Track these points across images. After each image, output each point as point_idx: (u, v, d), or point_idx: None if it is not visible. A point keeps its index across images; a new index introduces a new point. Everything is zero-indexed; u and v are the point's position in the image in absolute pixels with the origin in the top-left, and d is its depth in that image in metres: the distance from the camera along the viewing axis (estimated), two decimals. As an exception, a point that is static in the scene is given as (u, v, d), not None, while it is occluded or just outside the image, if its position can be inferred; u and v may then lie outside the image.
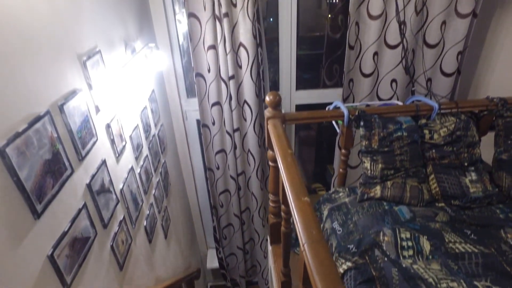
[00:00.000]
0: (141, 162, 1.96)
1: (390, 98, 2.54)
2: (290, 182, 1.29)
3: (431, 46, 2.41)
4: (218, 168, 2.84)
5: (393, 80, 2.50)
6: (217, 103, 2.55)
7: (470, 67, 2.70)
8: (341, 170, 2.00)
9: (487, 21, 2.52)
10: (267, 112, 1.77)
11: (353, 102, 2.57)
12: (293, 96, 2.75)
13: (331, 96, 2.73)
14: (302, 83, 2.83)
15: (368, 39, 2.37)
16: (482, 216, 1.68)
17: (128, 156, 1.78)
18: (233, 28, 2.29)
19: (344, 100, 2.57)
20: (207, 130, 2.68)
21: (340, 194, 1.90)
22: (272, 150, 1.63)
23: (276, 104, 1.74)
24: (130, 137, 1.81)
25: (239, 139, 2.67)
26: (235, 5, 2.23)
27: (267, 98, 1.73)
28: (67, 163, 1.17)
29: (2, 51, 0.91)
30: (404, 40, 2.36)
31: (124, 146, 1.71)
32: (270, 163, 1.78)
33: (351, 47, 2.40)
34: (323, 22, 2.79)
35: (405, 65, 2.38)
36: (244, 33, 2.28)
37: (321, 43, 2.86)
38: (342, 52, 2.45)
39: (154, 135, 2.21)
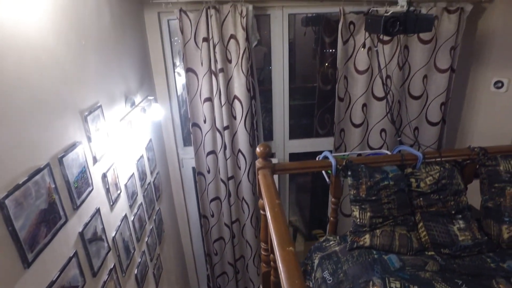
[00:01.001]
0: (135, 210, 2.00)
1: (380, 147, 2.63)
2: (276, 231, 1.33)
3: (415, 98, 2.56)
4: (212, 216, 2.86)
5: (382, 130, 2.61)
6: (212, 152, 2.64)
7: (455, 117, 2.83)
8: (331, 218, 2.03)
9: (465, 75, 2.70)
10: (258, 163, 1.85)
11: (345, 151, 2.66)
12: (286, 145, 2.85)
13: (324, 145, 2.82)
14: (295, 132, 2.94)
15: (357, 91, 2.52)
16: (473, 265, 1.68)
17: (122, 204, 1.82)
18: (228, 82, 2.45)
19: (336, 149, 2.66)
20: (202, 178, 2.74)
21: (331, 242, 1.91)
22: (262, 199, 1.68)
23: (266, 155, 1.82)
24: (125, 185, 1.86)
25: (234, 187, 2.72)
26: (230, 61, 2.41)
27: (258, 150, 1.82)
28: (61, 212, 1.22)
29: (14, 112, 1.01)
30: (390, 92, 2.50)
31: (119, 195, 1.77)
32: (261, 212, 1.83)
33: (341, 99, 2.55)
34: (315, 74, 2.97)
35: (391, 117, 2.50)
36: (239, 87, 2.43)
37: (313, 94, 3.02)
38: (333, 102, 2.59)
39: (149, 183, 2.27)
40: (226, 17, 2.31)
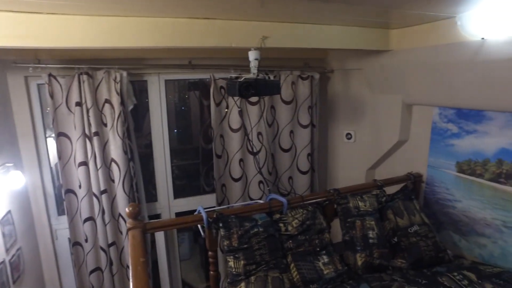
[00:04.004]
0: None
1: (260, 198, 2.82)
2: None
3: (285, 151, 2.88)
4: (93, 291, 2.57)
5: (260, 182, 2.83)
6: (90, 219, 2.46)
7: (322, 165, 3.25)
8: (211, 272, 2.04)
9: (325, 129, 3.19)
10: (128, 224, 1.81)
11: (228, 204, 2.77)
12: (171, 204, 2.84)
13: (210, 201, 2.90)
14: (183, 191, 2.97)
15: (233, 148, 2.73)
16: (336, 295, 1.85)
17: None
18: (104, 145, 2.41)
19: (219, 204, 2.76)
20: (80, 248, 2.50)
21: (211, 297, 1.90)
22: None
23: (136, 215, 1.80)
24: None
25: (116, 254, 2.54)
26: (105, 125, 2.41)
27: (127, 210, 1.80)
28: None
29: None
30: (263, 147, 2.78)
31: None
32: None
33: (218, 156, 2.72)
34: (197, 135, 3.14)
35: (262, 172, 2.73)
36: (115, 149, 2.41)
37: (197, 153, 3.15)
38: (215, 161, 2.74)
39: (3, 262, 1.97)
40: (100, 82, 2.35)
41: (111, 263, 2.55)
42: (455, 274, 1.94)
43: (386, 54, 2.39)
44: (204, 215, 1.91)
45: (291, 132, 2.90)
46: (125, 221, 2.49)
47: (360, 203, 2.23)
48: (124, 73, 2.36)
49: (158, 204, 2.80)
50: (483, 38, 1.84)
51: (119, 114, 2.36)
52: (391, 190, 2.42)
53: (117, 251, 2.57)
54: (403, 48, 2.28)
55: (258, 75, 2.04)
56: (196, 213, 2.03)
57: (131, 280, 1.37)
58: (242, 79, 2.00)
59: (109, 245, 2.52)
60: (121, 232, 2.55)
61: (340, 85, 3.01)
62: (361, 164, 2.95)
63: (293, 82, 2.82)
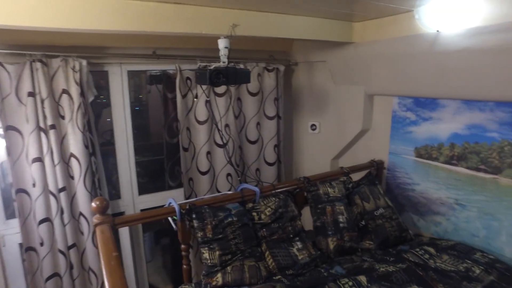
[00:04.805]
0: None
1: (229, 190, 2.79)
2: (111, 284, 1.22)
3: (252, 142, 2.89)
4: (51, 299, 2.37)
5: (229, 174, 2.80)
6: (46, 220, 2.27)
7: (288, 156, 3.30)
8: (184, 266, 1.98)
9: (290, 121, 3.24)
10: (95, 219, 1.70)
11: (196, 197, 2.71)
12: (136, 201, 2.71)
13: (176, 196, 2.80)
14: (147, 188, 2.86)
15: (200, 141, 2.67)
16: (312, 278, 1.89)
17: None
18: (62, 139, 2.24)
19: (187, 198, 2.69)
20: (34, 254, 2.29)
21: (186, 291, 1.84)
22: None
23: (104, 209, 1.70)
24: None
25: (77, 257, 2.37)
26: (63, 117, 2.23)
27: (93, 205, 1.69)
28: None
29: None
30: (230, 139, 2.75)
31: None
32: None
33: (185, 149, 2.65)
34: (161, 129, 3.03)
35: (232, 162, 2.72)
36: (75, 144, 2.25)
37: (162, 148, 3.04)
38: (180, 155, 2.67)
39: None
40: (56, 71, 2.17)
41: (71, 267, 2.37)
42: (417, 250, 2.08)
43: (349, 46, 2.49)
44: (176, 206, 1.85)
45: (258, 123, 2.91)
46: (87, 220, 2.34)
47: (330, 190, 2.30)
48: (84, 62, 2.21)
49: (122, 201, 2.66)
50: (438, 31, 1.98)
51: (79, 105, 2.20)
52: (356, 177, 2.53)
53: (78, 254, 2.40)
54: (365, 41, 2.39)
55: (228, 64, 2.02)
56: (167, 205, 1.96)
57: (105, 277, 1.28)
58: (213, 67, 1.97)
59: (69, 248, 2.34)
60: (82, 233, 2.39)
61: (305, 77, 3.08)
62: (326, 154, 3.04)
63: (259, 74, 2.83)
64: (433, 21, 1.98)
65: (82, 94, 2.23)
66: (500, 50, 1.76)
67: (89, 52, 2.26)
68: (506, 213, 2.01)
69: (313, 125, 3.10)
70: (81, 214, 2.35)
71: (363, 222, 2.28)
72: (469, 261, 1.93)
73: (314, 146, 3.14)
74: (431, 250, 2.07)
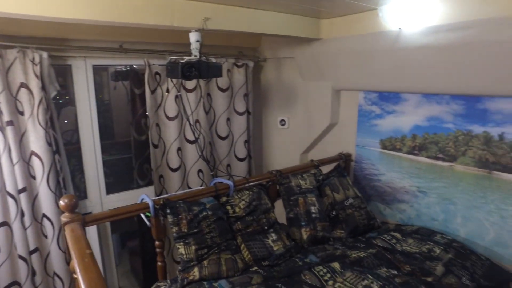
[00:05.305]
0: None
1: (201, 186, 2.76)
2: (87, 282, 1.17)
3: (223, 138, 2.88)
4: (11, 309, 2.21)
5: (200, 171, 2.78)
6: (4, 224, 2.11)
7: (258, 151, 3.34)
8: (159, 263, 1.94)
9: (259, 116, 3.28)
10: (63, 217, 1.62)
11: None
12: (104, 201, 2.60)
13: (146, 194, 2.73)
14: (115, 187, 2.75)
15: (170, 137, 2.63)
16: (287, 268, 1.93)
17: None
18: (21, 136, 2.10)
19: (158, 195, 2.63)
20: (-9, 261, 2.13)
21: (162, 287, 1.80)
22: (72, 257, 1.45)
23: (73, 207, 1.62)
24: None
25: (40, 262, 2.23)
26: (22, 113, 2.09)
27: (62, 202, 1.60)
28: None
29: None
30: (201, 135, 2.73)
31: None
32: (73, 275, 1.57)
33: (155, 146, 2.59)
34: (128, 127, 2.93)
35: (204, 157, 2.71)
36: (36, 141, 2.11)
37: (130, 147, 2.95)
38: (150, 152, 2.60)
39: None
40: (12, 63, 2.03)
41: (33, 273, 2.23)
42: (385, 236, 2.19)
43: (317, 42, 2.57)
44: (150, 202, 1.81)
45: (228, 119, 2.92)
46: (51, 222, 2.21)
47: (301, 182, 2.36)
48: (45, 54, 2.09)
49: (89, 201, 2.54)
50: (400, 28, 2.10)
51: (40, 100, 2.08)
52: (325, 169, 2.61)
53: (41, 259, 2.26)
54: (332, 37, 2.48)
55: (200, 57, 2.01)
56: (139, 201, 1.91)
57: (79, 276, 1.22)
58: (185, 60, 1.95)
59: (31, 253, 2.20)
60: (46, 236, 2.25)
61: (273, 74, 3.13)
62: (295, 148, 3.10)
63: (229, 70, 2.83)
64: (395, 19, 2.09)
65: (44, 88, 2.11)
66: (454, 47, 1.91)
67: (50, 44, 2.14)
68: (461, 197, 2.18)
69: (282, 120, 3.15)
70: (44, 216, 2.21)
71: (334, 212, 2.36)
72: (430, 243, 2.06)
73: (284, 141, 3.20)
74: (397, 235, 2.20)
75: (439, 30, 1.94)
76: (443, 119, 2.22)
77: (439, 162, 2.27)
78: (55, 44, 2.17)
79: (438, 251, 2.00)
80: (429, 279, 1.81)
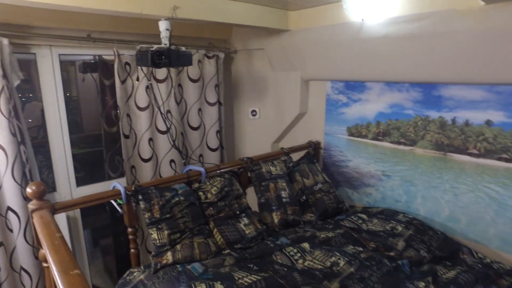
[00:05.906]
0: None
1: (173, 177, 2.77)
2: (57, 260, 1.17)
3: (194, 129, 2.90)
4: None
5: (172, 161, 2.78)
6: (-34, 218, 2.04)
7: (230, 141, 3.38)
8: (132, 250, 1.94)
9: (231, 107, 3.32)
10: (31, 205, 1.60)
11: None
12: (74, 193, 2.55)
13: (118, 185, 2.71)
14: (85, 181, 2.70)
15: (141, 127, 2.61)
16: (259, 250, 1.99)
17: None
18: (-17, 127, 2.03)
19: (130, 186, 2.61)
20: (-48, 257, 2.05)
21: (135, 273, 1.81)
22: (41, 245, 1.44)
23: (41, 194, 1.60)
24: None
25: (5, 259, 2.16)
26: (-18, 104, 2.02)
27: (29, 190, 1.58)
28: None
29: None
30: (173, 125, 2.73)
31: None
32: (44, 264, 1.55)
33: (126, 136, 2.57)
34: (97, 119, 2.88)
35: (176, 146, 2.72)
36: (0, 132, 2.05)
37: (100, 139, 2.90)
38: (121, 143, 2.57)
39: None
40: (-32, 50, 1.96)
41: (-1, 268, 2.16)
42: (352, 217, 2.31)
43: (285, 34, 2.64)
44: (122, 188, 1.81)
45: (199, 110, 2.94)
46: (17, 215, 2.15)
47: (272, 168, 2.43)
48: (5, 41, 2.01)
49: (58, 194, 2.48)
50: (362, 20, 2.21)
51: (2, 89, 2.01)
52: (295, 157, 2.70)
53: (5, 254, 2.19)
54: (300, 28, 2.56)
55: (170, 46, 2.02)
56: (111, 188, 1.91)
57: (49, 257, 1.22)
58: (154, 48, 1.95)
59: (-4, 246, 2.13)
60: (11, 230, 2.18)
61: (244, 65, 3.18)
62: (266, 138, 3.17)
63: (200, 61, 2.85)
64: (358, 11, 2.20)
65: (5, 76, 2.04)
66: (412, 38, 2.03)
67: (11, 30, 2.07)
68: (420, 179, 2.33)
69: (253, 110, 3.21)
70: (9, 208, 2.15)
71: (304, 197, 2.44)
72: (393, 222, 2.20)
73: (255, 131, 3.26)
74: (364, 216, 2.32)
75: (398, 21, 2.06)
76: (404, 105, 2.36)
77: (401, 147, 2.42)
78: (16, 31, 2.10)
79: (400, 228, 2.13)
80: (392, 253, 1.94)
